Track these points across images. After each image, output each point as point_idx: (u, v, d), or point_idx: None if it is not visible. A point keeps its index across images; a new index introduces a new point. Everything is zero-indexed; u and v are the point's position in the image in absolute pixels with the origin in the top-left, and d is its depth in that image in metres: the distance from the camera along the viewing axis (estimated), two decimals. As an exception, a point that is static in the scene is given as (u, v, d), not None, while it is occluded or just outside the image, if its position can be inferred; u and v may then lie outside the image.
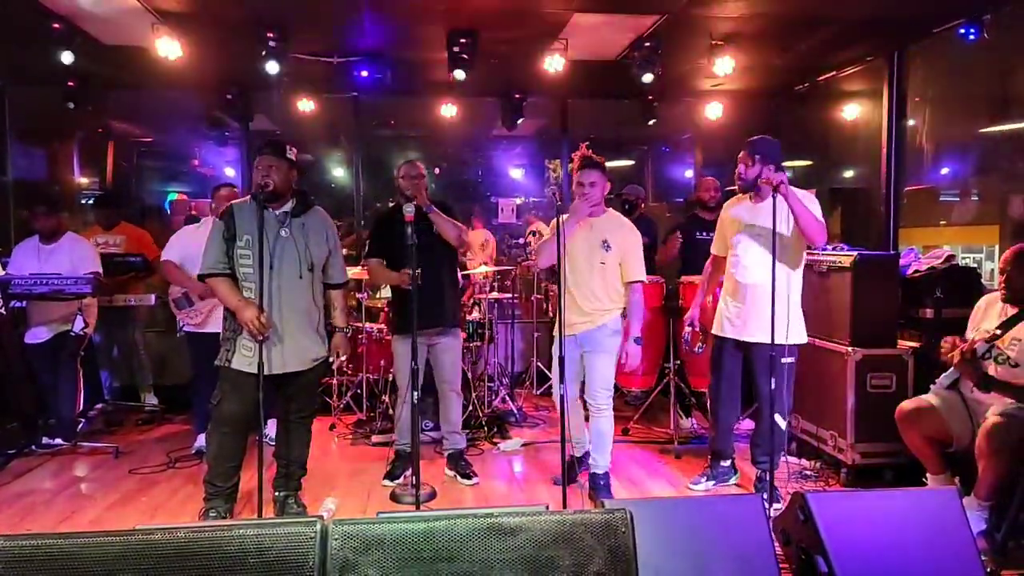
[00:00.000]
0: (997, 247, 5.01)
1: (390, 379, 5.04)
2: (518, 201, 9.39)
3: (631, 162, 10.53)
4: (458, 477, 4.23)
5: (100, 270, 4.83)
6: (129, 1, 4.39)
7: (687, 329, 4.15)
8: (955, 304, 4.03)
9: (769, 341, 3.33)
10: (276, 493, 3.67)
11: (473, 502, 3.94)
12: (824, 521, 2.39)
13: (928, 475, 3.59)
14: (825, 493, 3.59)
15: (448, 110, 6.70)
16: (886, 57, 5.54)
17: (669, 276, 5.22)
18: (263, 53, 4.86)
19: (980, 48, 4.63)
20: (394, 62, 5.67)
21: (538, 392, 6.28)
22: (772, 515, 2.84)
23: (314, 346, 3.48)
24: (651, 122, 6.92)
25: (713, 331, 3.95)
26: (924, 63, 5.52)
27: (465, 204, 8.28)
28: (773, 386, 3.37)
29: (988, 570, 2.50)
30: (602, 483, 3.90)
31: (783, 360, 3.44)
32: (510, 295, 6.34)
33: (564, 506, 3.46)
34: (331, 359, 3.66)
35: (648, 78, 5.31)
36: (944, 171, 5.87)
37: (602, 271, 3.79)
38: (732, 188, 4.03)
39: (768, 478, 3.59)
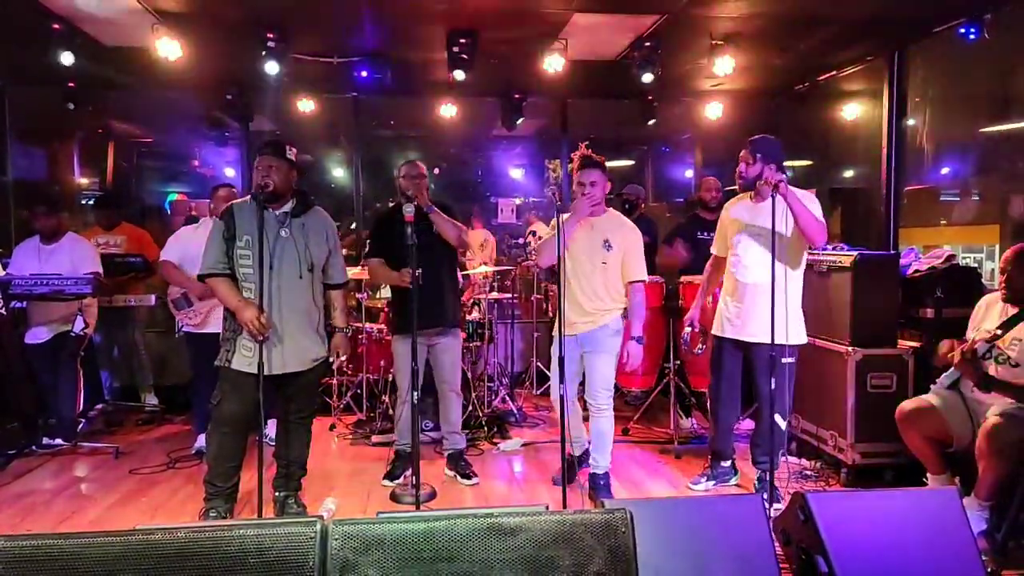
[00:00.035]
0: (997, 247, 5.01)
1: (390, 379, 5.04)
2: (518, 201, 9.40)
3: (631, 162, 10.54)
4: (458, 477, 4.23)
5: (100, 270, 4.83)
6: (129, 1, 4.39)
7: (687, 330, 4.14)
8: (955, 304, 4.03)
9: (768, 341, 3.33)
10: (276, 493, 3.67)
11: (473, 502, 3.94)
12: (824, 521, 2.39)
13: (928, 475, 3.59)
14: (825, 493, 3.59)
15: (448, 110, 6.70)
16: (886, 57, 5.54)
17: (669, 276, 5.22)
18: (263, 53, 4.87)
19: (980, 48, 4.63)
20: (394, 62, 5.67)
21: (538, 392, 6.28)
22: (772, 515, 2.84)
23: (314, 346, 3.48)
24: (651, 122, 6.93)
25: (713, 331, 3.95)
26: (924, 63, 5.52)
27: (465, 204, 8.29)
28: (773, 386, 3.36)
29: (988, 570, 2.50)
30: (602, 483, 3.90)
31: (783, 360, 3.44)
32: (510, 295, 6.34)
33: (564, 506, 3.46)
34: (331, 359, 3.66)
35: (648, 78, 5.31)
36: (944, 171, 5.87)
37: (604, 271, 3.79)
38: (732, 188, 4.02)
39: (768, 478, 3.58)
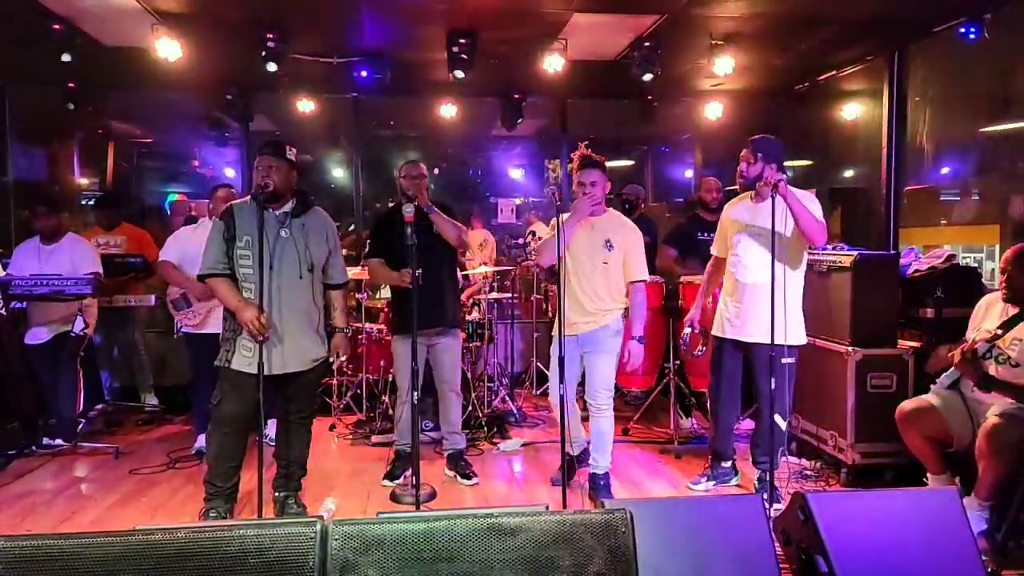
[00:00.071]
0: (998, 247, 5.01)
1: (390, 379, 5.04)
2: (517, 201, 9.40)
3: (631, 162, 10.54)
4: (458, 477, 4.23)
5: (100, 271, 4.83)
6: (129, 2, 4.39)
7: (686, 331, 4.14)
8: (956, 304, 4.03)
9: (767, 341, 3.33)
10: (276, 493, 3.67)
11: (473, 502, 3.94)
12: (824, 521, 2.39)
13: (928, 475, 3.59)
14: (825, 493, 3.59)
15: (448, 110, 6.70)
16: (886, 57, 5.54)
17: (669, 276, 5.22)
18: (263, 53, 4.87)
19: (980, 48, 4.63)
20: (394, 62, 5.67)
21: (537, 392, 6.28)
22: (772, 515, 2.84)
23: (314, 346, 3.48)
24: (651, 122, 6.92)
25: (713, 332, 3.95)
26: (924, 63, 5.52)
27: (465, 204, 8.28)
28: (773, 386, 3.36)
29: (988, 570, 2.50)
30: (602, 483, 3.90)
31: (783, 360, 3.43)
32: (510, 295, 6.34)
33: (564, 506, 3.46)
34: (331, 359, 3.66)
35: (648, 78, 5.31)
36: (944, 171, 5.87)
37: (605, 271, 3.79)
38: (733, 188, 4.02)
39: (768, 478, 3.58)
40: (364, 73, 5.65)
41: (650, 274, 4.39)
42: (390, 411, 4.97)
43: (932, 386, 3.64)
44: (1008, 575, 2.92)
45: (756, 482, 3.92)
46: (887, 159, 5.56)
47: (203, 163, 8.93)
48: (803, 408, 4.33)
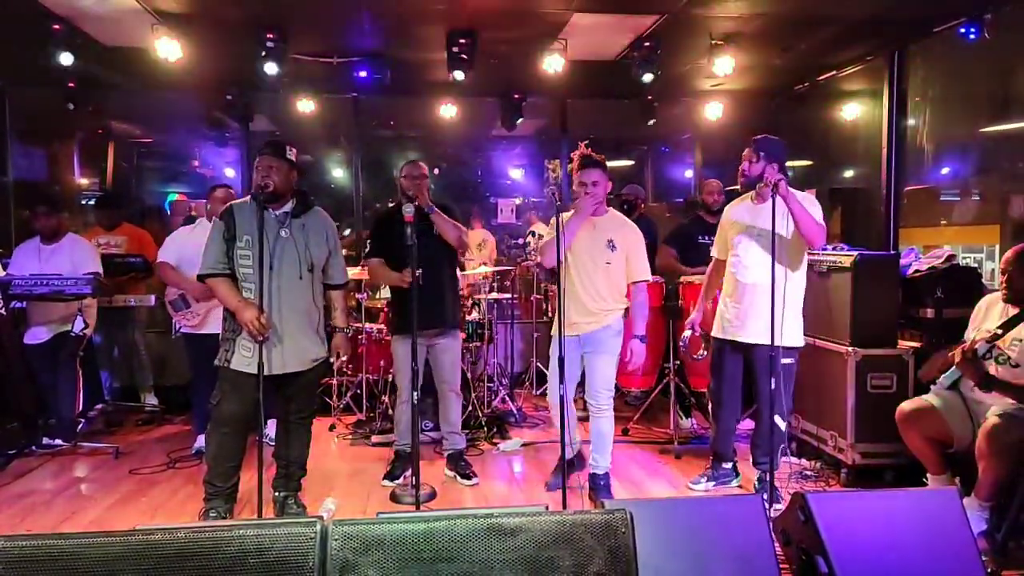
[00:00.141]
0: (998, 247, 5.00)
1: (390, 379, 5.04)
2: (517, 201, 9.42)
3: (631, 162, 10.55)
4: (458, 477, 4.23)
5: (100, 271, 4.82)
6: (129, 2, 4.39)
7: (686, 333, 4.14)
8: (956, 304, 4.02)
9: (766, 342, 3.33)
10: (276, 493, 3.67)
11: (473, 502, 3.94)
12: (824, 521, 2.39)
13: (928, 475, 3.59)
14: (825, 493, 3.58)
15: (448, 110, 6.70)
16: (886, 57, 5.54)
17: (669, 276, 5.22)
18: (263, 54, 4.87)
19: (980, 48, 4.63)
20: (394, 62, 5.67)
21: (537, 392, 6.27)
22: (772, 515, 2.84)
23: (314, 347, 3.48)
24: (651, 122, 6.93)
25: (712, 333, 3.95)
26: (924, 63, 5.52)
27: (464, 204, 8.30)
28: (773, 386, 3.36)
29: (989, 570, 2.50)
30: (602, 483, 3.90)
31: (782, 361, 3.43)
32: (509, 295, 6.34)
33: (564, 506, 3.46)
34: (332, 360, 3.66)
35: (648, 78, 5.31)
36: (944, 171, 5.86)
37: (607, 271, 3.79)
38: (734, 188, 4.02)
39: (768, 478, 3.58)
40: (364, 73, 5.65)
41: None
42: (390, 411, 4.97)
43: (932, 386, 3.64)
44: (1008, 575, 2.92)
45: (756, 482, 3.92)
46: (887, 159, 5.56)
47: (203, 163, 8.94)
48: (803, 408, 4.33)
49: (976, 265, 4.87)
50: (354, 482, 4.23)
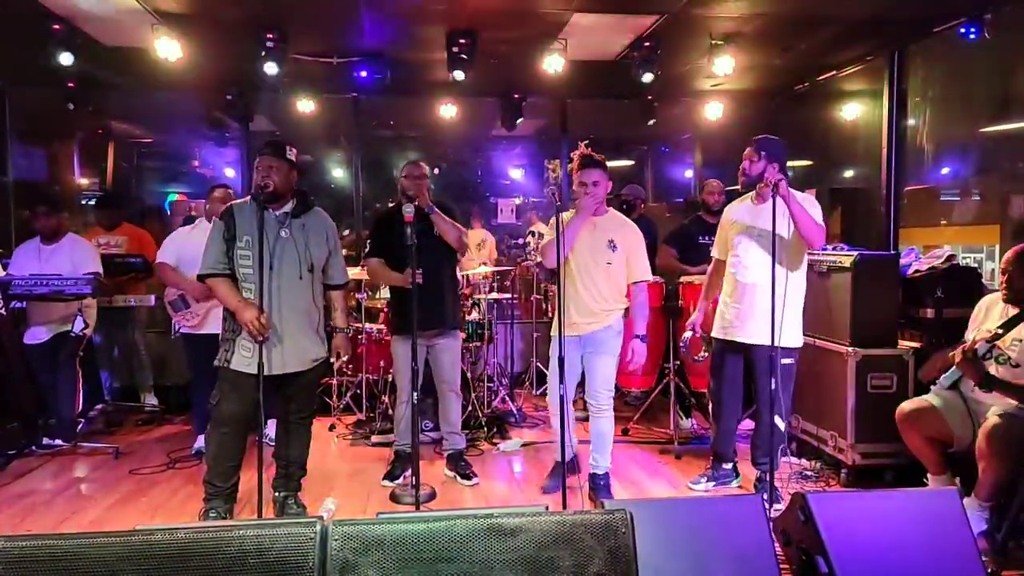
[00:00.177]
0: (998, 247, 5.00)
1: (390, 379, 5.04)
2: (517, 201, 9.42)
3: (631, 162, 10.55)
4: (458, 477, 4.23)
5: (100, 271, 4.83)
6: (129, 2, 4.39)
7: (687, 334, 4.13)
8: (956, 304, 4.02)
9: (766, 342, 3.33)
10: (276, 493, 3.67)
11: (473, 502, 3.94)
12: (824, 521, 2.39)
13: (929, 476, 3.59)
14: (825, 493, 3.59)
15: (448, 110, 6.70)
16: (886, 57, 5.54)
17: (669, 276, 5.22)
18: (263, 54, 4.86)
19: (980, 48, 4.62)
20: (394, 62, 5.67)
21: (537, 392, 6.28)
22: (772, 515, 2.84)
23: (314, 347, 3.48)
24: (651, 122, 6.93)
25: (712, 333, 3.95)
26: (924, 63, 5.52)
27: (464, 204, 8.30)
28: (773, 387, 3.36)
29: (989, 571, 2.50)
30: (602, 483, 3.90)
31: (781, 361, 3.43)
32: (509, 295, 6.33)
33: (564, 506, 3.46)
34: (332, 360, 3.66)
35: (648, 78, 5.31)
36: (944, 171, 5.86)
37: (608, 271, 3.79)
38: (734, 187, 4.02)
39: (768, 478, 3.58)
40: (364, 73, 5.65)
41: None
42: (390, 411, 4.97)
43: (932, 386, 3.64)
44: (1008, 575, 2.92)
45: (756, 482, 3.92)
46: (887, 159, 5.56)
47: (203, 163, 8.94)
48: (803, 408, 4.33)
49: (976, 265, 4.87)
50: (354, 482, 4.23)
